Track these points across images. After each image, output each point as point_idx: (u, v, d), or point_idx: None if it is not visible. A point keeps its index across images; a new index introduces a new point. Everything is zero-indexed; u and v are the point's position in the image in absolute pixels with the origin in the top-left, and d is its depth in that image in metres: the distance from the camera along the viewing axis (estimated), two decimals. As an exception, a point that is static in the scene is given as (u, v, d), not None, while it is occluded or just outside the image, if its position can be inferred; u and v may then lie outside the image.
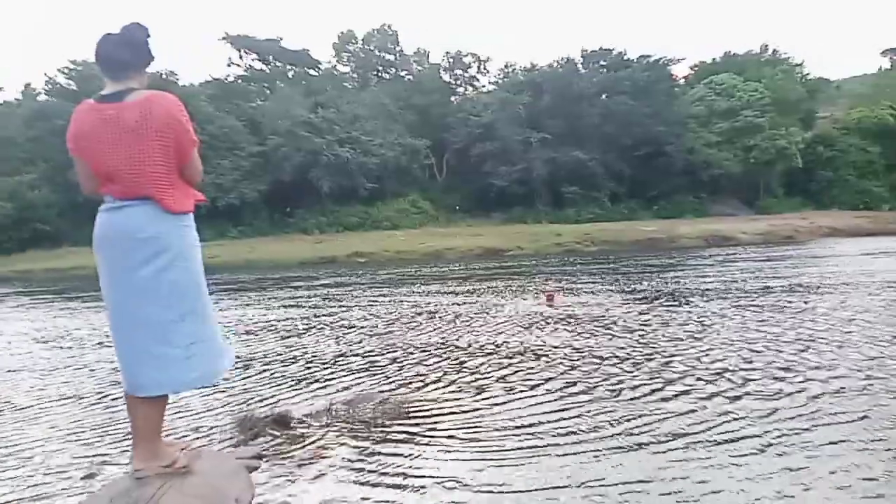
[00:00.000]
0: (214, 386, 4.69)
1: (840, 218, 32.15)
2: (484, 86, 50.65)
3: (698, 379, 4.46)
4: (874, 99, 48.50)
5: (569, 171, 39.22)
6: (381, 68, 52.24)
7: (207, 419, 3.99)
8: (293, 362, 5.70)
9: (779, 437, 3.25)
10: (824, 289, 9.46)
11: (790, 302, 8.14)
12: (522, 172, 39.31)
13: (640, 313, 7.75)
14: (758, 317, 7.04)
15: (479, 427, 3.60)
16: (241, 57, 48.07)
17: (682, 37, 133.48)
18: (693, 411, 3.73)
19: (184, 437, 3.57)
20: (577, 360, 5.28)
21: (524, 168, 39.34)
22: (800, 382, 4.23)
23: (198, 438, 3.57)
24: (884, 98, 47.33)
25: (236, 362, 5.68)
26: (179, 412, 4.12)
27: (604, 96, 41.44)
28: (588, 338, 6.24)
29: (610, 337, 6.23)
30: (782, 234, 27.33)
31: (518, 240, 27.45)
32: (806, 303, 7.99)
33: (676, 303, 8.60)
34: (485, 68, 50.86)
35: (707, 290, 10.01)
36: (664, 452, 3.12)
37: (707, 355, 5.19)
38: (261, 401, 4.36)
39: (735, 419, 3.54)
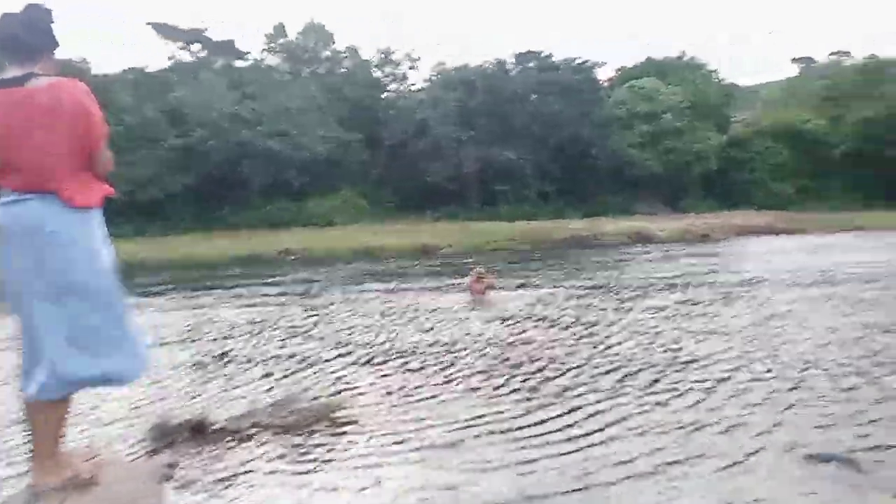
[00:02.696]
0: (126, 390, 4.47)
1: (752, 217, 33.96)
2: (414, 83, 50.47)
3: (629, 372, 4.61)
4: (786, 104, 51.57)
5: (500, 169, 39.76)
6: (311, 62, 51.13)
7: (118, 427, 3.80)
8: (215, 366, 5.51)
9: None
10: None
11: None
12: (455, 170, 39.59)
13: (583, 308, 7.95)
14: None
15: (409, 431, 3.57)
16: (164, 45, 46.04)
17: (607, 42, 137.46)
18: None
19: (90, 446, 3.38)
20: (515, 356, 5.36)
21: (456, 166, 39.63)
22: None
23: (106, 448, 3.39)
24: (794, 103, 50.38)
25: (153, 366, 5.43)
26: (87, 419, 3.90)
27: (534, 97, 42.17)
28: (518, 330, 6.34)
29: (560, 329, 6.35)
30: (698, 232, 28.66)
31: (450, 237, 27.56)
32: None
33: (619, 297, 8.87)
34: (415, 65, 50.66)
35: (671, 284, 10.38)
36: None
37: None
38: (178, 407, 4.18)
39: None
